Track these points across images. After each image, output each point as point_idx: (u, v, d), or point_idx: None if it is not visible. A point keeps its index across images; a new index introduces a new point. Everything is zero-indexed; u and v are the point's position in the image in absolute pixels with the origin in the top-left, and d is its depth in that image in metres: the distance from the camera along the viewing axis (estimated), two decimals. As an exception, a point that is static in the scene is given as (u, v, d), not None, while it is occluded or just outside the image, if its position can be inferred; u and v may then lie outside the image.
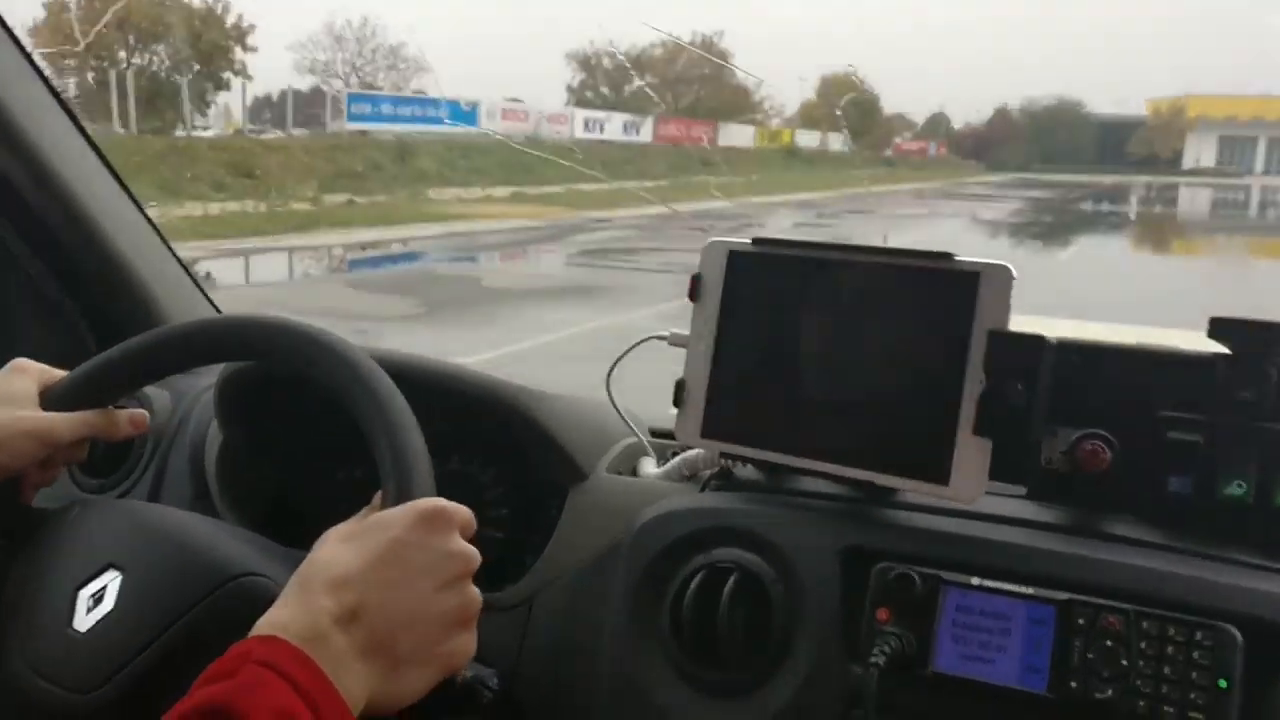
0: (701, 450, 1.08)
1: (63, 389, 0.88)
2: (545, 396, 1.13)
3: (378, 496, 0.76)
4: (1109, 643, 0.82)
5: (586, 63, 36.62)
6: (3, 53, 1.22)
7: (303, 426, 1.20)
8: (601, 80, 36.01)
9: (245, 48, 23.50)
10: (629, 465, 1.16)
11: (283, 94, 22.53)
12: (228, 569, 0.79)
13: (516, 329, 7.80)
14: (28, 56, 1.24)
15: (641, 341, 1.09)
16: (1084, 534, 0.92)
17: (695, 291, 1.03)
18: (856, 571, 0.91)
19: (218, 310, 1.45)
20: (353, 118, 20.73)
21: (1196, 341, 0.93)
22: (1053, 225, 21.12)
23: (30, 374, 0.88)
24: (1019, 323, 0.90)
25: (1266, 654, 0.79)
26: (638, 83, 35.87)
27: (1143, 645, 0.81)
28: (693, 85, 34.82)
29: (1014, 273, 0.90)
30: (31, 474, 0.88)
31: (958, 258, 0.92)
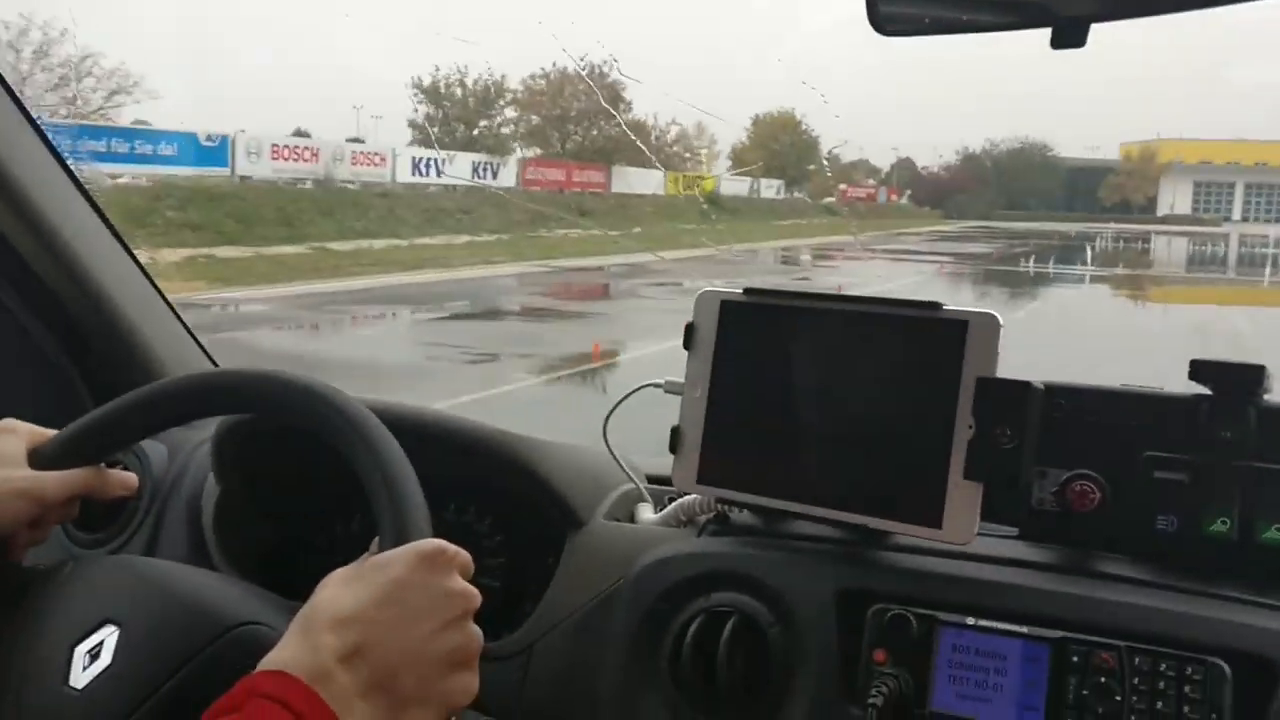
0: (698, 496, 1.09)
1: (52, 448, 0.88)
2: (541, 444, 1.14)
3: (375, 543, 0.77)
4: (1103, 679, 0.83)
5: (434, 92, 28.95)
6: (1, 108, 1.23)
7: (299, 479, 1.21)
8: (455, 114, 28.86)
9: None
10: (626, 511, 1.17)
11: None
12: (226, 618, 0.79)
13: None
14: (25, 111, 1.26)
15: (638, 389, 1.10)
16: (1076, 573, 0.93)
17: (689, 340, 1.05)
18: (853, 614, 0.92)
19: (215, 363, 1.47)
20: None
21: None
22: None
23: (19, 434, 0.88)
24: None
25: (1255, 686, 0.81)
26: (500, 118, 29.38)
27: (1135, 681, 0.82)
28: (582, 123, 29.78)
29: (1001, 321, 0.93)
30: (21, 534, 0.88)
31: (946, 307, 0.95)
